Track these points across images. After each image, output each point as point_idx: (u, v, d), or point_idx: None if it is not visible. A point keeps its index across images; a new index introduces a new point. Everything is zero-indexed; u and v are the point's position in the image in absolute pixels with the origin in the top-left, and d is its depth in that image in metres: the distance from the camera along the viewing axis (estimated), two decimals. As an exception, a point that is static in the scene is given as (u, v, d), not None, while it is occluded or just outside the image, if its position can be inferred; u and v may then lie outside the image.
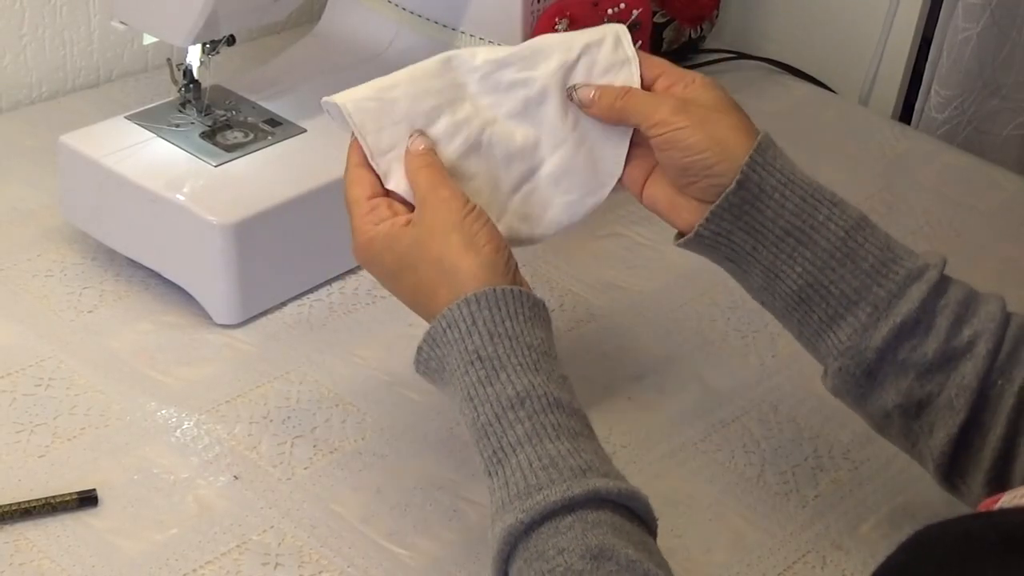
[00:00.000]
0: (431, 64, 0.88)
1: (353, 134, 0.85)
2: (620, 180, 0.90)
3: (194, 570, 0.83)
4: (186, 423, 0.94)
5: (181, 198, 1.01)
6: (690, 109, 0.84)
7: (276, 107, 1.12)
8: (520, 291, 0.79)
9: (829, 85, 1.49)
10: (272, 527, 0.87)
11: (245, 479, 0.90)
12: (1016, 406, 0.79)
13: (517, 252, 0.83)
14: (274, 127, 1.10)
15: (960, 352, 0.80)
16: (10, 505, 0.85)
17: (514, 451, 0.73)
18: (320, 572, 0.84)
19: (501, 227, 0.84)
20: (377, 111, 0.85)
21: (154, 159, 1.05)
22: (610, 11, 1.08)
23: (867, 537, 0.90)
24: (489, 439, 0.75)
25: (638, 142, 0.88)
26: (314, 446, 0.93)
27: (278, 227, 1.03)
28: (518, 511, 0.71)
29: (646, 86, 0.88)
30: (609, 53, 0.89)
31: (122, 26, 1.06)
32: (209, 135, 1.08)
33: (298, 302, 1.06)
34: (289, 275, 1.06)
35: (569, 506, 0.70)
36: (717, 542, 0.89)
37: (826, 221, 0.81)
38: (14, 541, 0.84)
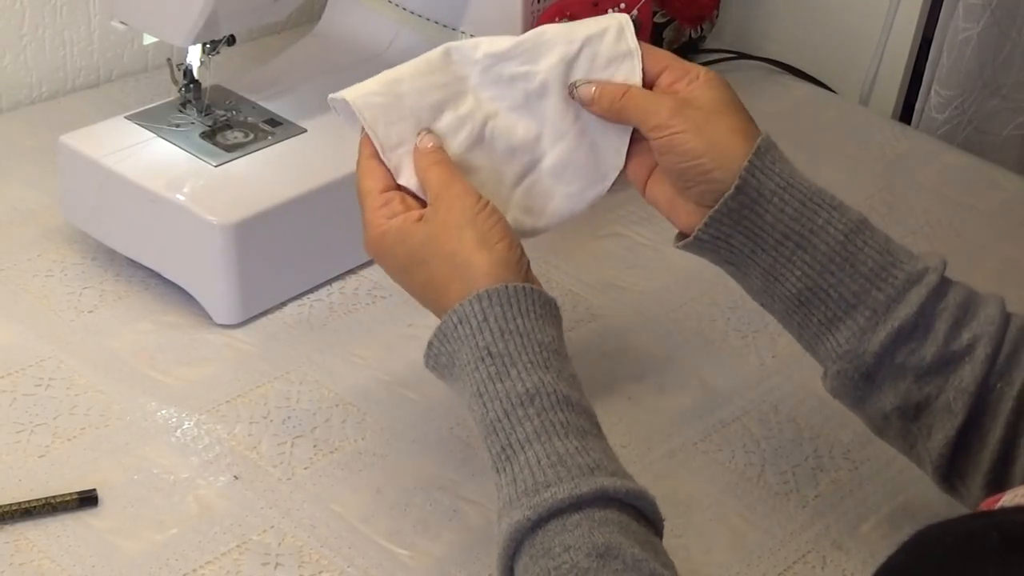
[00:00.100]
0: (434, 56, 0.88)
1: (363, 127, 0.85)
2: (625, 175, 0.90)
3: (194, 570, 0.83)
4: (186, 423, 0.94)
5: (181, 198, 1.01)
6: (688, 112, 0.84)
7: (276, 107, 1.12)
8: (532, 288, 0.79)
9: (829, 85, 1.49)
10: (272, 527, 0.87)
11: (245, 479, 0.90)
12: (1015, 409, 0.79)
13: (517, 252, 0.83)
14: (274, 127, 1.10)
15: (959, 356, 0.80)
16: (10, 505, 0.85)
17: (522, 448, 0.73)
18: (320, 572, 0.84)
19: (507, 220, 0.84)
20: (385, 106, 0.85)
21: (154, 159, 1.05)
22: (610, 11, 1.08)
23: (867, 537, 0.90)
24: (498, 435, 0.75)
25: (641, 138, 0.88)
26: (314, 446, 0.93)
27: (278, 227, 1.03)
28: (525, 508, 0.71)
29: (650, 80, 0.88)
30: (611, 45, 0.88)
31: (122, 26, 1.06)
32: (209, 135, 1.08)
33: (298, 302, 1.06)
34: (289, 275, 1.06)
35: (576, 504, 0.70)
36: (717, 542, 0.89)
37: (825, 225, 0.81)
38: (14, 541, 0.84)
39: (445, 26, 1.18)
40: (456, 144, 0.86)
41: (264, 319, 1.04)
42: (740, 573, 0.87)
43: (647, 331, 1.07)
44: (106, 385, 0.96)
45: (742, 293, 0.87)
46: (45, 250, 1.09)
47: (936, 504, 0.86)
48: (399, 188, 0.85)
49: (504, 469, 0.74)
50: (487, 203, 0.82)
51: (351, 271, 1.10)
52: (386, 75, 0.86)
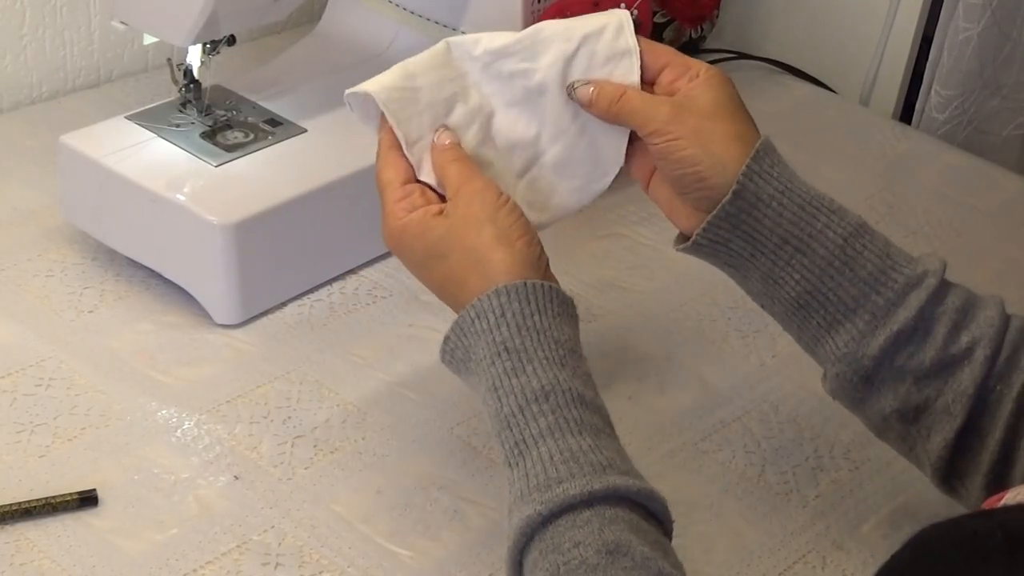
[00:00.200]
0: (438, 51, 0.88)
1: (381, 121, 0.85)
2: (629, 172, 0.90)
3: (194, 570, 0.83)
4: (186, 423, 0.94)
5: (181, 198, 1.01)
6: (685, 117, 0.83)
7: (276, 107, 1.12)
8: (550, 286, 0.79)
9: (829, 85, 1.49)
10: (272, 527, 0.87)
11: (245, 479, 0.90)
12: (1015, 411, 0.79)
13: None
14: (274, 127, 1.10)
15: (958, 359, 0.80)
16: (10, 505, 0.85)
17: (536, 443, 0.74)
18: (320, 572, 0.84)
19: None
20: (403, 100, 0.85)
21: (154, 159, 1.05)
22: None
23: (868, 537, 0.90)
24: (511, 430, 0.75)
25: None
26: (314, 446, 0.93)
27: (278, 227, 1.03)
28: (536, 503, 0.71)
29: (650, 77, 0.88)
30: (610, 43, 0.88)
31: (122, 26, 1.06)
32: (209, 135, 1.08)
33: (298, 302, 1.06)
34: (289, 275, 1.06)
35: (588, 501, 0.71)
36: (717, 542, 0.89)
37: (824, 229, 0.81)
38: (14, 541, 0.84)
39: (445, 26, 1.18)
40: (469, 138, 0.87)
41: (264, 319, 1.04)
42: (740, 573, 0.87)
43: (647, 331, 1.07)
44: (106, 385, 0.96)
45: (742, 293, 0.87)
46: (45, 250, 1.09)
47: (936, 504, 0.86)
48: (418, 181, 0.85)
49: (517, 464, 0.74)
50: (508, 199, 0.82)
51: (351, 271, 1.10)
52: (401, 69, 0.86)
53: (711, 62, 0.89)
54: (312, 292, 1.07)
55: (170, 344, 1.01)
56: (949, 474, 0.82)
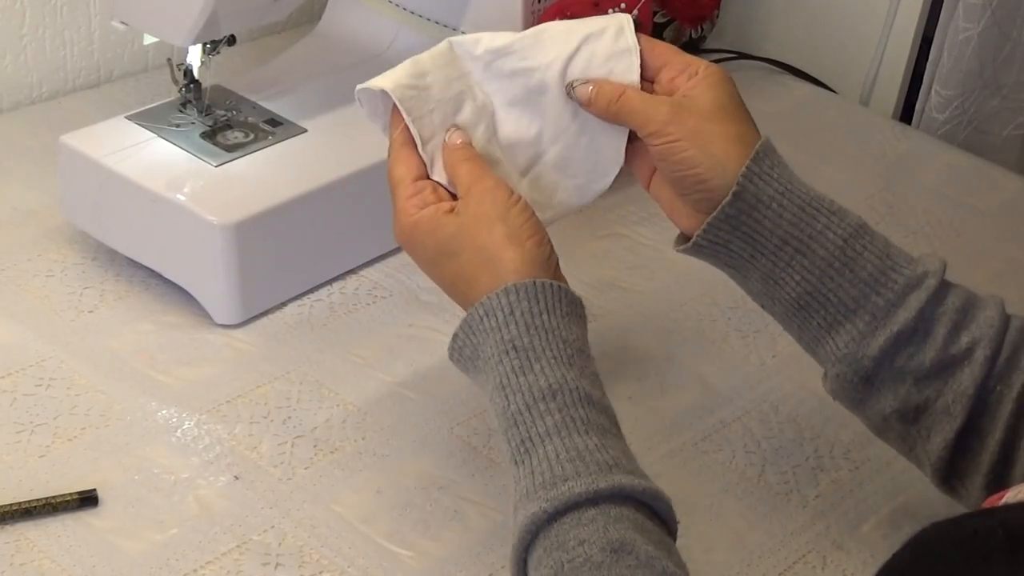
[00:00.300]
0: (443, 49, 0.88)
1: (392, 117, 0.85)
2: (630, 171, 0.90)
3: (194, 570, 0.83)
4: (187, 423, 0.94)
5: (181, 198, 1.01)
6: (684, 118, 0.83)
7: (276, 107, 1.12)
8: (559, 286, 0.79)
9: (829, 85, 1.49)
10: (272, 527, 0.87)
11: (245, 479, 0.90)
12: (1015, 411, 0.79)
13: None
14: (274, 127, 1.10)
15: (958, 359, 0.80)
16: (11, 505, 0.85)
17: (542, 441, 0.74)
18: (320, 572, 0.84)
19: None
20: (416, 99, 0.85)
21: (154, 159, 1.05)
22: (611, 11, 1.08)
23: (868, 537, 0.90)
24: (518, 428, 0.75)
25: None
26: (314, 446, 0.93)
27: (278, 227, 1.03)
28: (542, 500, 0.71)
29: (650, 75, 0.88)
30: (610, 43, 0.88)
31: (122, 26, 1.06)
32: (209, 135, 1.08)
33: (298, 302, 1.06)
34: (289, 275, 1.06)
35: (593, 499, 0.71)
36: (717, 542, 0.89)
37: (824, 230, 0.81)
38: (15, 541, 0.84)
39: (445, 26, 1.18)
40: (477, 136, 0.87)
41: (264, 319, 1.04)
42: (740, 573, 0.87)
43: (647, 331, 1.07)
44: (107, 385, 0.96)
45: (743, 293, 0.87)
46: (45, 250, 1.09)
47: (936, 504, 0.86)
48: (430, 178, 0.85)
49: (523, 462, 0.74)
50: (519, 198, 0.82)
51: (351, 271, 1.10)
52: (412, 66, 0.86)
53: (711, 62, 0.89)
54: (312, 292, 1.07)
55: (170, 344, 1.01)
56: (949, 474, 0.82)
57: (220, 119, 1.09)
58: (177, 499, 0.88)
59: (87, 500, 0.86)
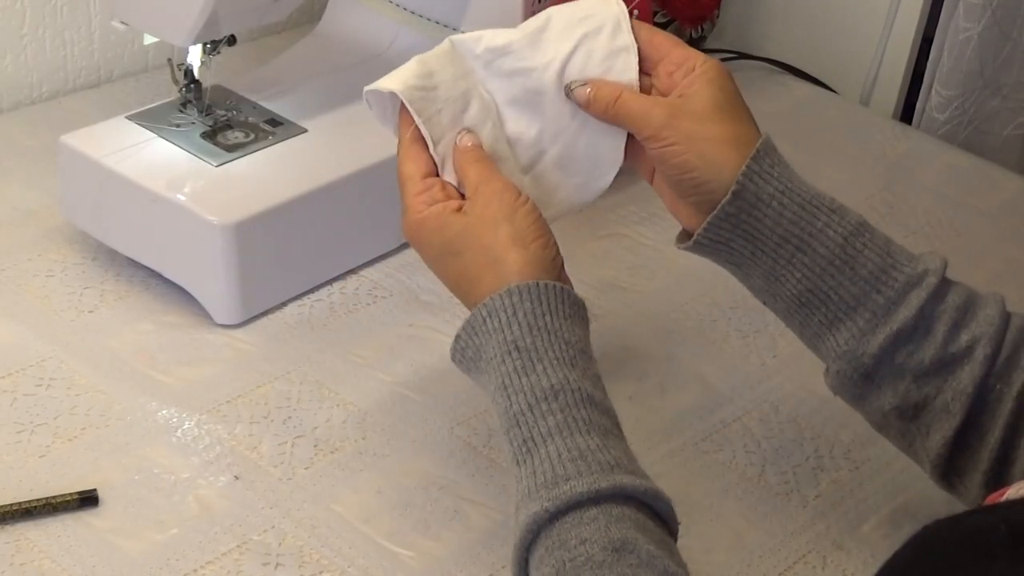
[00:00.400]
0: (445, 49, 0.88)
1: (401, 118, 0.85)
2: (633, 168, 0.90)
3: (195, 570, 0.83)
4: (187, 423, 0.94)
5: (182, 198, 1.01)
6: (680, 121, 0.83)
7: (277, 107, 1.12)
8: (563, 288, 0.80)
9: (830, 85, 1.49)
10: (273, 527, 0.87)
11: (246, 479, 0.90)
12: (1015, 410, 0.79)
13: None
14: (275, 127, 1.10)
15: (957, 357, 0.80)
16: (11, 505, 0.85)
17: (544, 441, 0.74)
18: (321, 572, 0.84)
19: None
20: (425, 100, 0.85)
21: (155, 159, 1.05)
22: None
23: (868, 537, 0.90)
24: (520, 428, 0.75)
25: None
26: (314, 446, 0.93)
27: (279, 227, 1.03)
28: (544, 499, 0.71)
29: (647, 69, 0.87)
30: (607, 42, 0.88)
31: (123, 26, 1.06)
32: (210, 135, 1.08)
33: (299, 302, 1.06)
34: (290, 275, 1.06)
35: (595, 499, 0.71)
36: (717, 542, 0.89)
37: (824, 228, 0.81)
38: (15, 541, 0.84)
39: (446, 26, 1.18)
40: (484, 135, 0.87)
41: (264, 319, 1.04)
42: (740, 573, 0.87)
43: (647, 331, 1.07)
44: (107, 385, 0.96)
45: (743, 293, 0.87)
46: (45, 250, 1.09)
47: (937, 504, 0.86)
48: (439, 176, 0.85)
49: (525, 461, 0.74)
50: (526, 200, 0.82)
51: (351, 271, 1.10)
52: (418, 65, 0.86)
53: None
54: (312, 292, 1.07)
55: (170, 344, 1.01)
56: (948, 471, 0.82)
57: (220, 119, 1.09)
58: (177, 499, 0.88)
59: (87, 500, 0.86)
